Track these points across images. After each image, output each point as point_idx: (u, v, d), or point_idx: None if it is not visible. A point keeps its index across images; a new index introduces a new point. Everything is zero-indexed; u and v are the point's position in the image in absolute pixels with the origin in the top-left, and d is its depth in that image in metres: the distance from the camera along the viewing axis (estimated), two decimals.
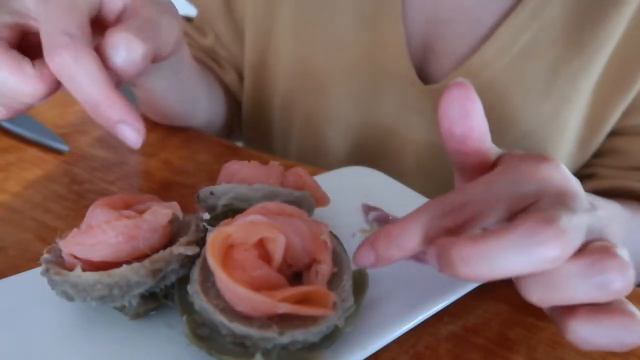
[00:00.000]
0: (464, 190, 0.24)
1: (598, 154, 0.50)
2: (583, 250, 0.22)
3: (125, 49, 0.29)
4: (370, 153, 0.54)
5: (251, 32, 0.55)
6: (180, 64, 0.43)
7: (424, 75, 0.49)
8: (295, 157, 0.58)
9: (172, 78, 0.43)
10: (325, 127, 0.54)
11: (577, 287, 0.21)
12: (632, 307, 0.22)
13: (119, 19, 0.32)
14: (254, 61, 0.56)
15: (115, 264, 0.25)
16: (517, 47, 0.44)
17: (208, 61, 0.59)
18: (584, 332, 0.22)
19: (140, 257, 0.25)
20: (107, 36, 0.29)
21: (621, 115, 0.47)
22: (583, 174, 0.50)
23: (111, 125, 0.28)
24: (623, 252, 0.22)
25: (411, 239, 0.23)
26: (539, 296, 0.22)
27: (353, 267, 0.27)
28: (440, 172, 0.52)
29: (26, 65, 0.29)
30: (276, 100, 0.57)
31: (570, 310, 0.22)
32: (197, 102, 0.51)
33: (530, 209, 0.22)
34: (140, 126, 0.28)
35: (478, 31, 0.46)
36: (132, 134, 0.28)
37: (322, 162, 0.56)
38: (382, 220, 0.36)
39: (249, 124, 0.62)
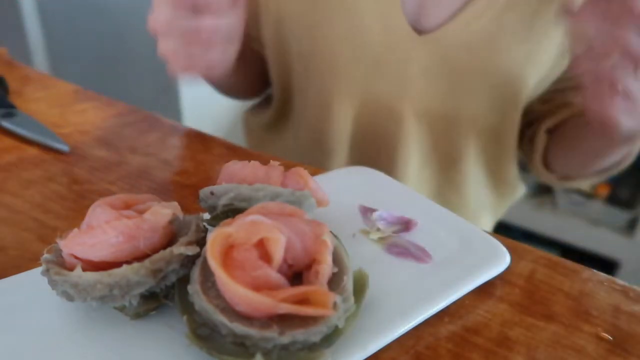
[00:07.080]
0: None
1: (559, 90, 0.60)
2: None
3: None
4: (373, 122, 0.59)
5: None
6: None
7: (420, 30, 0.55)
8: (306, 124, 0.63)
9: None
10: (331, 88, 0.58)
11: None
12: None
13: None
14: (274, 17, 0.59)
15: (116, 264, 0.25)
16: (502, 0, 0.53)
17: None
18: None
19: (140, 257, 0.25)
20: None
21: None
22: (559, 103, 0.60)
23: None
24: None
25: None
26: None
27: (353, 267, 0.27)
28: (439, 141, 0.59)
29: None
30: (294, 56, 0.61)
31: None
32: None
33: None
34: None
35: None
36: None
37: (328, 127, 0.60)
38: (386, 220, 0.36)
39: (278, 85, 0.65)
